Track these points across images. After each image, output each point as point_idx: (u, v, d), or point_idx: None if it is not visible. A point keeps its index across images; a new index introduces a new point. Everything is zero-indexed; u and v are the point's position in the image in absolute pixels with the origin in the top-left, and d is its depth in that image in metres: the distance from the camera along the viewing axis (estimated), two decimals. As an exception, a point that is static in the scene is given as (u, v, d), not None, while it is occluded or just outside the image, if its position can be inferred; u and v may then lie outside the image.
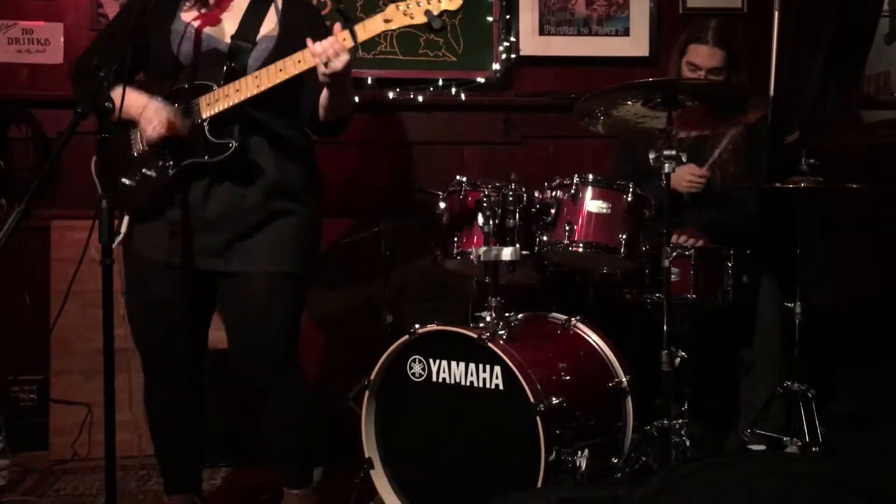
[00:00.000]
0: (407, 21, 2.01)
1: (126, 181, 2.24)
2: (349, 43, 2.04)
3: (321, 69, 2.05)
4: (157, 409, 2.43)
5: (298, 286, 2.34)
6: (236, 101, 2.13)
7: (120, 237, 2.18)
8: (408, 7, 2.02)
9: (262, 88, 2.11)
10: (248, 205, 2.23)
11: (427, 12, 2.00)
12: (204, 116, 2.16)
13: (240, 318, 2.31)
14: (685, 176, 2.84)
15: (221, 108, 2.15)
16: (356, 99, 2.23)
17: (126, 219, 2.25)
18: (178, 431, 2.44)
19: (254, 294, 2.26)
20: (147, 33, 2.24)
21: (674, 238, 2.79)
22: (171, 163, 2.19)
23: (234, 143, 2.15)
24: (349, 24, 2.04)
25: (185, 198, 2.22)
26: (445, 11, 2.01)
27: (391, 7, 2.04)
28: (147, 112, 2.14)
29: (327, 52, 2.02)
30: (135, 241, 2.29)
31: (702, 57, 2.91)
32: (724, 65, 2.91)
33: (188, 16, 2.28)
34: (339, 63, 2.03)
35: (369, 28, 2.04)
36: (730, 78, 2.92)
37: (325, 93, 2.20)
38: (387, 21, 2.03)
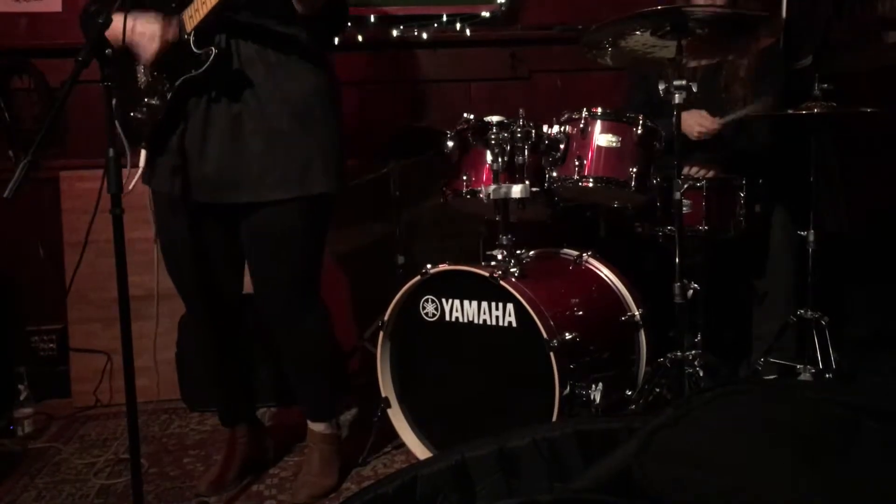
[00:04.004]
0: None
1: (135, 115, 2.21)
2: None
3: None
4: (197, 338, 2.50)
5: (313, 210, 2.25)
6: (211, 6, 2.00)
7: (139, 174, 2.17)
8: None
9: None
10: (245, 124, 2.14)
11: None
12: (188, 30, 2.08)
13: (253, 252, 2.29)
14: (695, 126, 2.78)
15: (201, 17, 2.04)
16: None
17: (143, 153, 2.21)
18: (218, 361, 2.48)
19: (264, 225, 2.23)
20: None
21: (685, 170, 2.76)
22: (168, 85, 2.13)
23: (214, 50, 2.06)
24: None
25: (186, 124, 2.16)
26: None
27: None
28: (134, 35, 2.06)
29: None
30: (154, 178, 2.26)
31: None
32: None
33: None
34: None
35: None
36: (736, 1, 2.86)
37: None
38: None
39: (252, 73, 2.15)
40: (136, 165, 2.15)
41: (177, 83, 2.11)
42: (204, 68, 2.07)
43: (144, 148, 2.20)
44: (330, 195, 2.28)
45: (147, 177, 2.27)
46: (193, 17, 2.06)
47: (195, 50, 2.07)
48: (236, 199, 2.19)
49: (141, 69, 2.20)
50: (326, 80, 2.27)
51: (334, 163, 2.27)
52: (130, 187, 2.01)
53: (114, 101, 2.07)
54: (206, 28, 2.07)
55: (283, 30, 2.17)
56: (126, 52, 2.15)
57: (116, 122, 2.01)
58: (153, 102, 2.17)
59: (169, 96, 2.13)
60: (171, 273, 2.38)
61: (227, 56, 2.11)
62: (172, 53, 2.11)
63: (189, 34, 2.08)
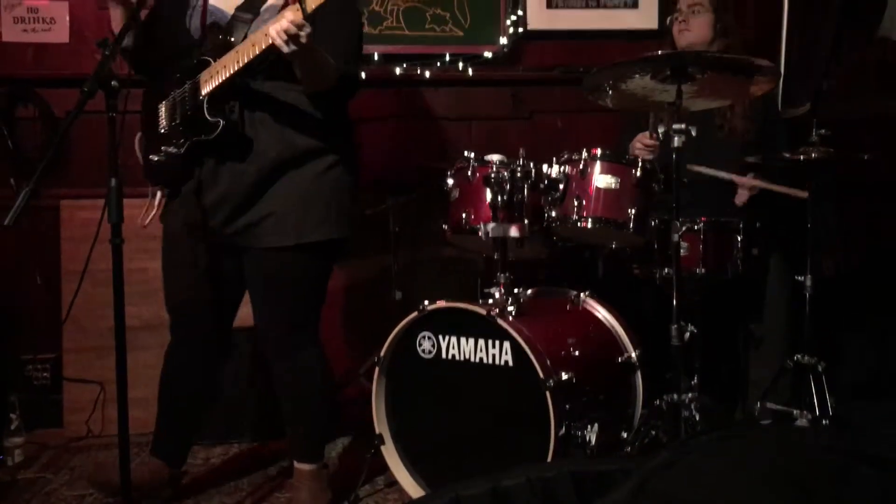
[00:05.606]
0: None
1: (154, 157, 2.28)
2: (300, 15, 1.91)
3: (283, 47, 1.95)
4: (171, 370, 2.48)
5: (310, 256, 2.29)
6: (226, 77, 2.09)
7: (153, 212, 2.26)
8: None
9: (242, 64, 2.05)
10: (245, 183, 2.22)
11: None
12: (203, 93, 2.15)
13: (253, 294, 2.37)
14: (636, 145, 2.84)
15: (216, 84, 2.12)
16: (333, 66, 2.14)
17: (159, 195, 2.33)
18: (183, 396, 2.48)
19: (261, 270, 2.30)
20: (172, 11, 2.28)
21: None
22: (183, 140, 2.21)
23: (222, 122, 2.14)
24: None
25: (199, 176, 2.25)
26: None
27: None
28: None
29: (288, 31, 1.92)
30: (167, 216, 2.37)
31: (683, 1, 2.97)
32: (705, 4, 2.95)
33: None
34: (301, 39, 1.93)
35: None
36: (715, 39, 2.94)
37: (295, 66, 2.13)
38: None
39: (261, 133, 2.22)
40: (151, 197, 2.24)
41: (188, 143, 2.19)
42: (212, 137, 2.15)
43: (160, 191, 2.32)
44: (330, 242, 2.31)
45: (162, 216, 2.38)
46: (208, 81, 2.14)
47: (207, 116, 2.14)
48: (237, 245, 2.28)
49: (162, 114, 2.27)
50: (336, 132, 2.31)
51: (336, 211, 2.31)
52: (147, 222, 2.09)
53: (139, 136, 2.17)
54: (221, 93, 2.14)
55: (294, 93, 2.22)
56: (153, 95, 2.28)
57: (140, 158, 2.21)
58: (170, 150, 2.24)
59: (182, 150, 2.21)
60: (167, 295, 2.43)
61: (236, 126, 2.19)
62: (190, 111, 2.18)
63: (204, 98, 2.14)
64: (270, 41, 1.97)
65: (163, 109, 2.28)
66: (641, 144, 2.81)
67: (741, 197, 2.87)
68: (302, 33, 1.93)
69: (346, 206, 2.34)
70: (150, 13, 2.33)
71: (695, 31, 2.97)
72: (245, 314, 2.46)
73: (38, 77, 3.41)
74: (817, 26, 3.43)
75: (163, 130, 2.27)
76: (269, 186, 2.23)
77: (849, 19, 3.38)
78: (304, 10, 1.90)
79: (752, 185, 2.84)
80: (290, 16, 1.92)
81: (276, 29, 1.93)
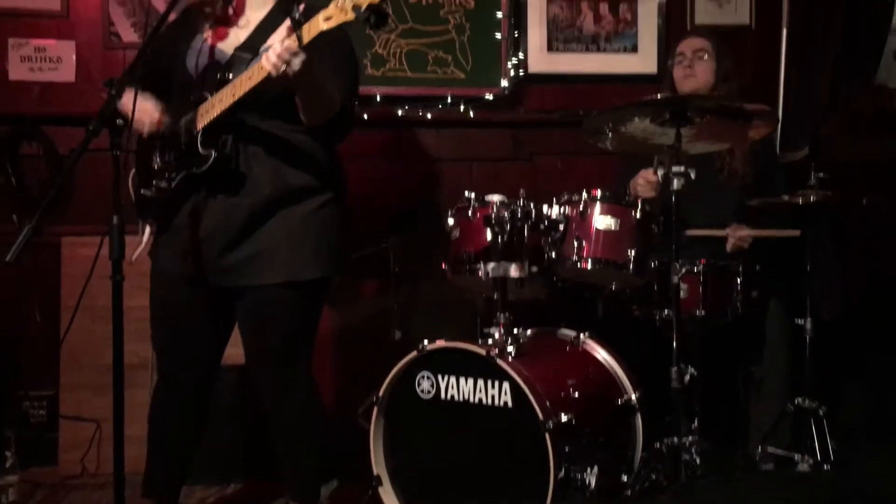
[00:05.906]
0: (343, 17, 1.90)
1: (145, 192, 2.31)
2: (296, 45, 1.96)
3: (275, 74, 1.99)
4: (159, 409, 2.45)
5: (302, 293, 2.30)
6: (220, 111, 2.13)
7: (141, 248, 2.27)
8: (344, 3, 1.91)
9: (238, 97, 2.09)
10: (238, 218, 2.23)
11: (355, 7, 1.88)
12: (198, 127, 2.18)
13: (244, 331, 2.36)
14: (639, 181, 2.85)
15: (211, 118, 2.16)
16: (336, 99, 2.20)
17: (147, 229, 2.34)
18: (173, 435, 2.46)
19: (252, 307, 2.30)
20: (174, 53, 2.32)
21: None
22: (174, 174, 2.24)
23: (213, 154, 2.16)
24: (297, 26, 1.97)
25: (188, 211, 2.26)
26: (370, 5, 1.93)
27: (331, 5, 1.95)
28: (137, 114, 2.14)
29: (282, 57, 1.97)
30: (156, 250, 2.37)
31: (686, 46, 3.02)
32: (709, 50, 3.01)
33: (206, 33, 2.33)
34: (294, 66, 1.97)
35: (312, 29, 1.96)
36: (717, 84, 2.99)
37: (297, 96, 2.16)
38: (327, 19, 1.93)
39: (254, 169, 2.24)
40: (141, 233, 2.25)
41: (179, 177, 2.22)
42: (203, 169, 2.18)
43: (150, 225, 2.33)
44: (321, 280, 2.33)
45: (151, 251, 2.37)
46: (204, 116, 2.18)
47: (200, 149, 2.17)
48: (226, 283, 2.27)
49: (157, 149, 2.30)
50: (326, 175, 2.34)
51: (327, 249, 2.33)
52: (133, 258, 2.08)
53: (132, 173, 2.19)
54: (215, 127, 2.17)
55: (289, 132, 2.26)
56: (151, 134, 2.29)
57: (132, 194, 2.22)
58: (161, 185, 2.27)
59: (173, 184, 2.24)
60: (155, 335, 2.42)
61: (228, 159, 2.21)
62: (184, 145, 2.21)
63: (198, 132, 2.17)
64: (266, 73, 2.00)
65: (157, 145, 2.31)
66: (644, 180, 2.82)
67: (729, 244, 2.88)
68: (295, 60, 1.96)
69: (337, 245, 2.36)
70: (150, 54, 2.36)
71: (699, 76, 3.01)
72: (238, 353, 2.45)
73: (43, 115, 3.44)
74: (814, 72, 3.47)
75: (156, 166, 2.29)
76: (262, 223, 2.24)
77: (845, 66, 3.42)
78: (299, 38, 1.94)
79: (744, 237, 2.85)
80: (286, 43, 1.96)
81: (269, 55, 1.97)
